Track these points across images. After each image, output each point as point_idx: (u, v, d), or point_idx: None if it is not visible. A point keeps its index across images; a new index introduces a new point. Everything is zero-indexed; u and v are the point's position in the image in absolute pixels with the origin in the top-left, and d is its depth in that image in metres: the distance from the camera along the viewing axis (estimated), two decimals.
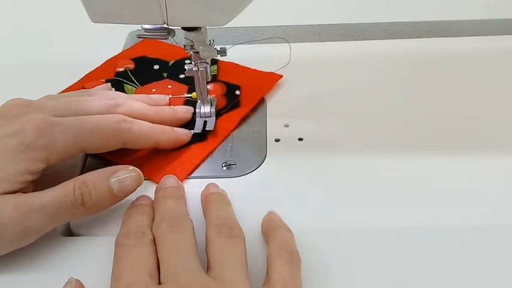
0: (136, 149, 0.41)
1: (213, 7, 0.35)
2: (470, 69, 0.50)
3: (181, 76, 0.49)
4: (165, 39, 0.39)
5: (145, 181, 0.37)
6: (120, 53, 0.53)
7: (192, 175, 0.41)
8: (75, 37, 0.56)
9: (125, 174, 0.36)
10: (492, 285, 0.33)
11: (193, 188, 0.39)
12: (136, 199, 0.37)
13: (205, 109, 0.45)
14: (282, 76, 0.49)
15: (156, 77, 0.50)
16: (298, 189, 0.39)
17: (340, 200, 0.39)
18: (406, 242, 0.36)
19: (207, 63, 0.42)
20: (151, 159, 0.41)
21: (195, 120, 0.44)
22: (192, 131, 0.44)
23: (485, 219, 0.37)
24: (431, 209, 0.38)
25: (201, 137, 0.43)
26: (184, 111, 0.45)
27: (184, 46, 0.40)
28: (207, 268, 0.32)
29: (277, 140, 0.44)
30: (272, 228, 0.35)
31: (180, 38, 0.40)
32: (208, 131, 0.44)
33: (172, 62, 0.51)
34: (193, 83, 0.43)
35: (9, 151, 0.33)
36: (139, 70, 0.50)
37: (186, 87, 0.48)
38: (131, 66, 0.51)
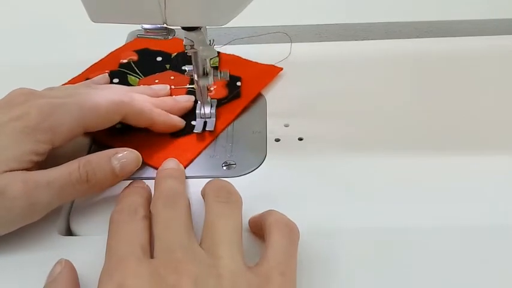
0: (139, 138, 0.43)
1: (213, 7, 0.35)
2: (470, 69, 0.50)
3: (184, 67, 0.49)
4: (165, 39, 0.39)
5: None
6: (123, 45, 0.54)
7: (192, 175, 0.41)
8: (75, 37, 0.56)
9: (125, 154, 0.38)
10: (492, 285, 0.33)
11: (193, 188, 0.39)
12: (131, 182, 0.38)
13: (205, 110, 0.45)
14: (282, 68, 0.50)
15: (159, 68, 0.51)
16: (298, 189, 0.39)
17: (340, 200, 0.39)
18: (406, 242, 0.36)
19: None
20: (154, 147, 0.43)
21: (195, 110, 0.45)
22: (193, 122, 0.44)
23: (485, 219, 0.37)
24: (431, 208, 0.38)
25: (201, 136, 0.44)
26: (186, 100, 0.46)
27: (185, 46, 0.40)
28: (201, 239, 0.32)
29: (277, 140, 0.44)
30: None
31: (180, 38, 0.40)
32: (209, 131, 0.44)
33: (175, 54, 0.52)
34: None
35: (14, 133, 0.35)
36: (142, 62, 0.51)
37: (188, 78, 0.49)
38: (135, 58, 0.51)
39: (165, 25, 0.37)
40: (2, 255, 0.34)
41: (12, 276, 0.34)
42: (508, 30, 0.56)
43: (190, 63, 0.43)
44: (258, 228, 0.35)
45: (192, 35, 0.39)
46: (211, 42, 0.40)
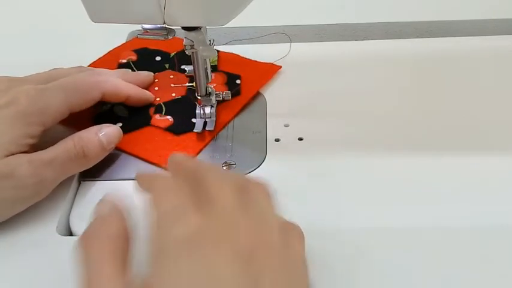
0: (140, 136, 0.44)
1: (213, 7, 0.35)
2: (470, 69, 0.50)
3: (183, 67, 0.50)
4: (164, 39, 0.39)
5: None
6: (122, 44, 0.54)
7: None
8: (75, 37, 0.56)
9: (108, 129, 0.41)
10: (492, 285, 0.33)
11: None
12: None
13: (205, 110, 0.45)
14: (280, 67, 0.50)
15: (158, 68, 0.51)
16: (298, 189, 0.39)
17: (341, 200, 0.39)
18: (407, 242, 0.36)
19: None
20: (155, 145, 0.43)
21: (190, 104, 0.46)
22: (193, 119, 0.45)
23: (485, 219, 0.37)
24: (431, 209, 0.38)
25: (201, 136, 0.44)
26: (146, 74, 0.48)
27: (184, 46, 0.40)
28: None
29: (277, 140, 0.44)
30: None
31: (180, 38, 0.40)
32: (208, 131, 0.44)
33: (173, 53, 0.52)
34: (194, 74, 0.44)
35: (7, 119, 0.37)
36: (141, 61, 0.51)
37: (187, 78, 0.49)
38: (134, 57, 0.51)
39: (164, 25, 0.37)
40: (2, 255, 0.34)
41: (12, 276, 0.34)
42: (508, 30, 0.56)
43: (189, 63, 0.43)
44: None
45: (192, 35, 0.39)
46: (211, 42, 0.40)
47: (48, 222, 0.37)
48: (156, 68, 0.50)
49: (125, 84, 0.45)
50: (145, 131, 0.44)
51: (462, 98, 0.47)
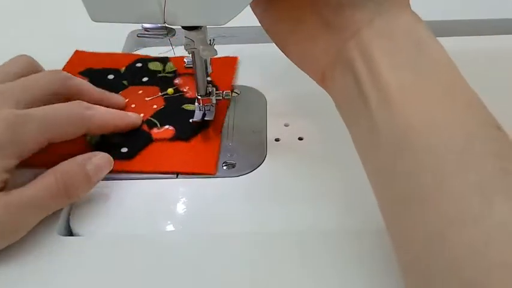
0: (155, 148, 0.43)
1: (213, 7, 0.35)
2: (470, 69, 0.50)
3: (144, 79, 0.49)
4: (164, 38, 0.39)
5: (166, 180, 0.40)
6: (65, 68, 0.50)
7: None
8: (75, 36, 0.56)
9: (97, 160, 0.38)
10: None
11: (193, 187, 0.39)
12: None
13: (205, 109, 0.45)
14: (238, 57, 0.51)
15: (117, 86, 0.48)
16: (298, 189, 0.39)
17: (341, 200, 0.39)
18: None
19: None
20: (171, 155, 0.42)
21: (177, 109, 0.46)
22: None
23: None
24: None
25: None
26: (135, 117, 0.44)
27: (185, 45, 0.40)
28: None
29: (277, 140, 0.44)
30: None
31: (180, 38, 0.40)
32: (208, 120, 0.44)
33: (124, 68, 0.50)
34: (156, 83, 0.45)
35: None
36: (95, 83, 0.46)
37: (157, 88, 0.48)
38: (85, 80, 0.47)
39: (165, 24, 0.37)
40: (2, 255, 0.34)
41: (12, 276, 0.34)
42: (508, 30, 0.56)
43: (144, 75, 0.44)
44: None
45: (192, 34, 0.39)
46: (211, 42, 0.40)
47: (48, 222, 0.36)
48: (115, 86, 0.48)
49: (111, 115, 0.42)
50: (153, 147, 0.43)
51: None
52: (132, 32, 0.57)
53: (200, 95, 0.44)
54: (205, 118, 0.44)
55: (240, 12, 0.35)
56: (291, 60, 0.38)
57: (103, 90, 0.45)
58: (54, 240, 0.36)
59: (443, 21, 0.57)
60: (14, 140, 0.35)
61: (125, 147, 0.42)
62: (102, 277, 0.34)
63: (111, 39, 0.53)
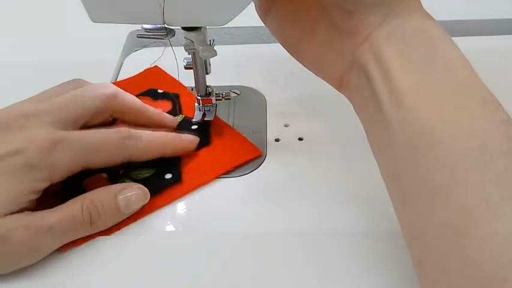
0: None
1: (213, 7, 0.35)
2: (477, 69, 0.50)
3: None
4: (164, 39, 0.39)
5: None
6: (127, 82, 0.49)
7: None
8: (75, 36, 0.56)
9: (131, 191, 0.36)
10: None
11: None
12: None
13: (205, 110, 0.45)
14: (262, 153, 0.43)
15: None
16: (298, 189, 0.39)
17: (341, 201, 0.39)
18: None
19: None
20: (194, 163, 0.41)
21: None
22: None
23: None
24: None
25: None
26: (190, 140, 0.42)
27: (185, 46, 0.40)
28: None
29: (277, 140, 0.44)
30: None
31: (180, 38, 0.40)
32: (209, 121, 0.44)
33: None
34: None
35: (12, 172, 0.33)
36: None
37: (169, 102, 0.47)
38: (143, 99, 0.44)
39: (165, 25, 0.37)
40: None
41: (12, 276, 0.34)
42: (508, 30, 0.56)
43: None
44: None
45: (192, 35, 0.39)
46: (211, 42, 0.40)
47: None
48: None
49: (155, 143, 0.39)
50: (187, 162, 0.41)
51: None
52: (132, 32, 0.57)
53: (200, 95, 0.44)
54: (206, 118, 0.44)
55: (240, 13, 0.35)
56: (308, 69, 0.38)
57: (156, 110, 0.42)
58: None
59: (444, 21, 0.56)
60: (45, 163, 0.33)
61: (169, 173, 0.40)
62: (102, 277, 0.34)
63: (111, 39, 0.53)
